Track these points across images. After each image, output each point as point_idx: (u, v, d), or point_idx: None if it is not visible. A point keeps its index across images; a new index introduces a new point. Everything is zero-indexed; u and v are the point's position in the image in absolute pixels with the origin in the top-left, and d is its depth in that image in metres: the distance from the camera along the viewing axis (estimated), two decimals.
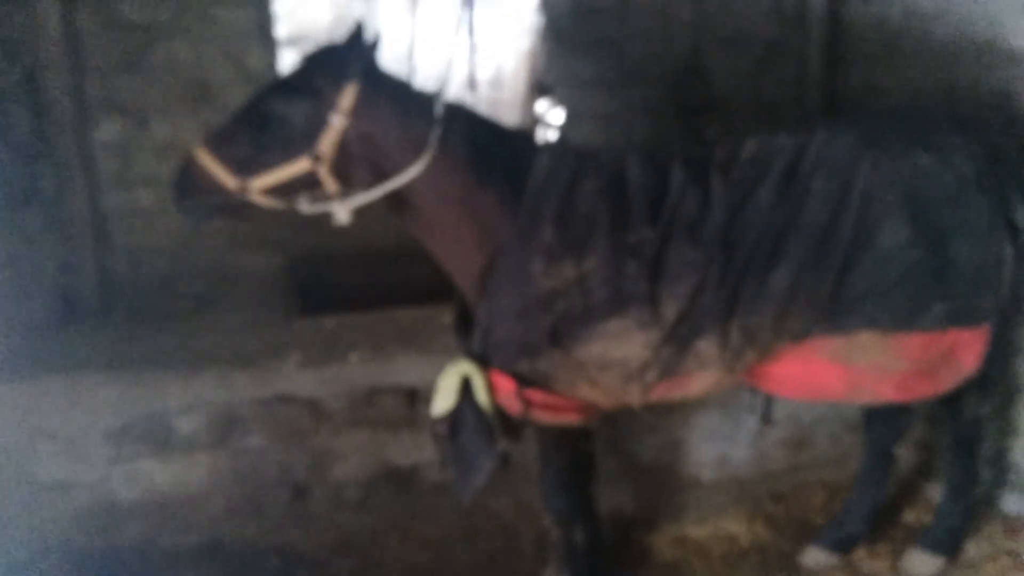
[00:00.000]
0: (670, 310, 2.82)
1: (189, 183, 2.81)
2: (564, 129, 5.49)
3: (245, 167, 2.76)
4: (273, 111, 2.77)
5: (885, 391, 2.98)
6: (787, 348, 2.93)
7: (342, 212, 2.88)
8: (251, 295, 4.88)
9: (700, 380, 2.97)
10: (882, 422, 3.53)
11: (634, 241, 2.84)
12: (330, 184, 2.82)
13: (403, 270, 5.15)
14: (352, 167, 2.83)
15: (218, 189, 2.78)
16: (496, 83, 6.45)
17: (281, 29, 5.54)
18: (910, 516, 3.96)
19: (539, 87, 6.63)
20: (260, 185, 2.78)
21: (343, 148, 2.79)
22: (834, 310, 2.86)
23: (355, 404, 3.95)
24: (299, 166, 2.77)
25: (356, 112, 2.77)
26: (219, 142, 2.79)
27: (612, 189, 2.91)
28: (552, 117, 6.17)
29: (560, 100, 5.49)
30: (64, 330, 4.37)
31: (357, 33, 2.86)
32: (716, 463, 4.30)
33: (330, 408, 3.94)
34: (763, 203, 2.88)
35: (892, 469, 3.70)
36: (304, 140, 2.76)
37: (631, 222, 2.87)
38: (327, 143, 2.76)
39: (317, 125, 2.76)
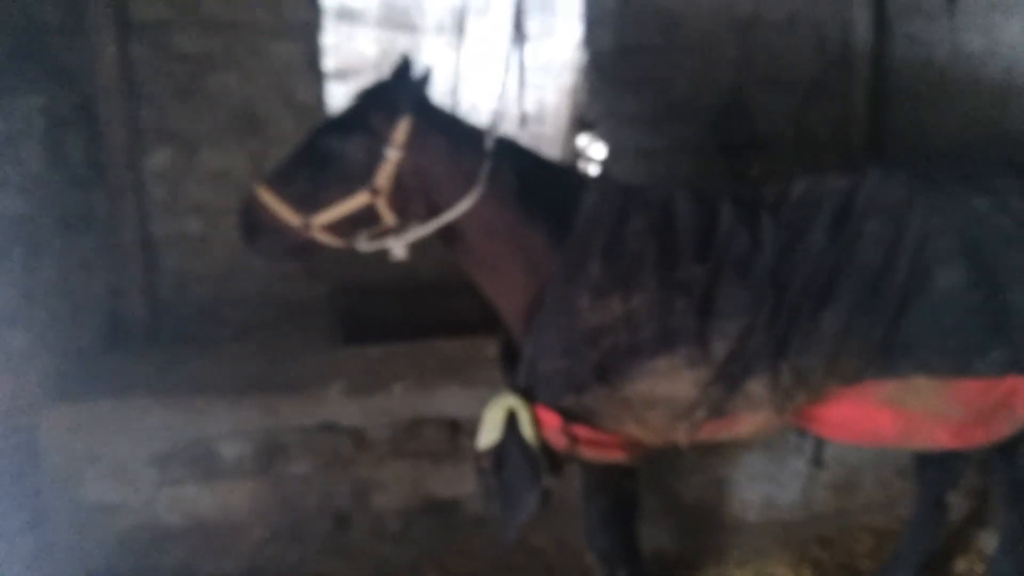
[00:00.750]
0: (719, 349, 2.78)
1: (254, 222, 2.86)
2: (605, 164, 5.50)
3: (307, 204, 2.80)
4: (330, 148, 2.81)
5: (940, 437, 2.90)
6: (839, 391, 2.87)
7: (399, 248, 2.92)
8: (295, 323, 4.90)
9: (749, 421, 2.91)
10: (935, 468, 3.44)
11: (683, 278, 2.81)
12: (388, 217, 2.86)
13: (444, 301, 5.17)
14: (408, 199, 2.86)
15: (282, 227, 2.82)
16: (538, 118, 6.50)
17: (329, 62, 5.62)
18: (962, 565, 3.85)
19: (581, 122, 6.66)
20: (322, 221, 2.81)
21: (398, 181, 2.82)
22: (887, 354, 2.80)
23: (397, 434, 3.95)
24: (358, 200, 2.81)
25: (410, 145, 2.80)
26: (280, 181, 2.84)
27: (660, 226, 2.89)
28: (594, 152, 6.18)
29: (602, 136, 5.50)
30: (113, 354, 4.41)
31: (404, 67, 2.90)
32: (761, 504, 4.23)
33: (373, 437, 3.94)
34: (814, 244, 2.83)
35: (945, 517, 3.60)
36: (362, 175, 2.80)
37: (680, 259, 2.83)
38: (383, 176, 2.80)
39: (374, 159, 2.80)
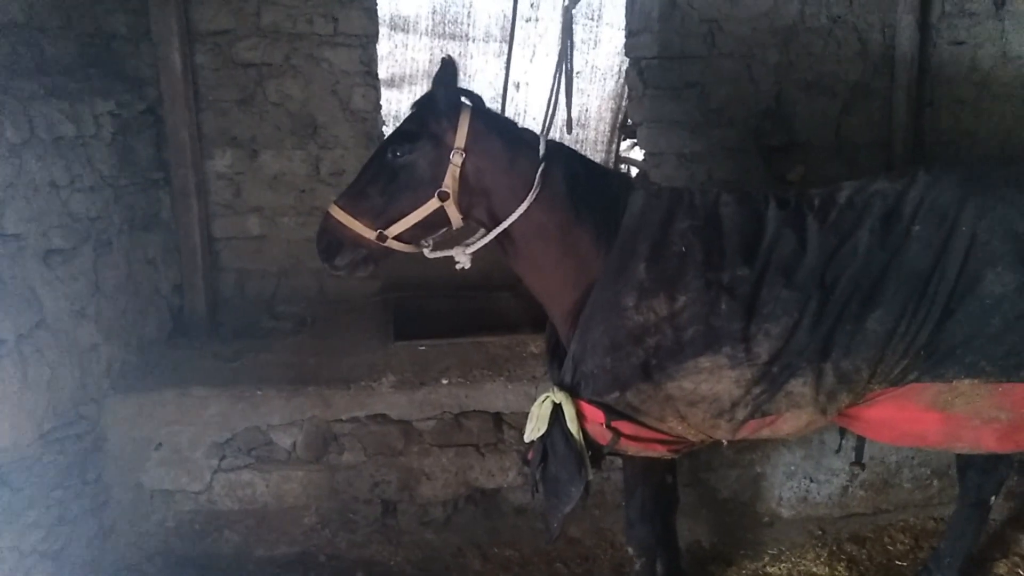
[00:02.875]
0: (763, 349, 2.66)
1: (333, 241, 2.82)
2: (646, 167, 5.35)
3: (381, 217, 2.76)
4: (397, 160, 2.76)
5: (986, 441, 2.74)
6: (883, 392, 2.73)
7: (463, 257, 2.87)
8: (348, 318, 4.85)
9: (792, 420, 2.78)
10: (978, 471, 3.25)
11: (728, 280, 2.70)
12: (456, 219, 2.81)
13: (489, 299, 5.09)
14: (471, 200, 2.80)
15: (359, 241, 2.78)
16: (583, 122, 6.38)
17: (383, 70, 5.55)
18: (1002, 568, 3.67)
19: (623, 127, 6.52)
20: (397, 231, 2.77)
21: (463, 182, 2.76)
22: (934, 356, 2.65)
23: (444, 426, 3.88)
24: (429, 206, 2.76)
25: (469, 147, 2.74)
26: (352, 198, 2.79)
27: (706, 228, 2.78)
28: (635, 155, 6.05)
29: (643, 139, 5.35)
30: (175, 347, 4.39)
31: (446, 70, 2.80)
32: (796, 501, 4.07)
33: (420, 429, 3.88)
34: (861, 246, 2.70)
35: (986, 519, 3.40)
36: (430, 180, 2.75)
37: (725, 261, 2.73)
38: (450, 179, 2.73)
39: (440, 164, 2.74)
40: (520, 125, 2.99)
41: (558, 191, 2.78)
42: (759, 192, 2.91)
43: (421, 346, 4.28)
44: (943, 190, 2.70)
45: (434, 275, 4.88)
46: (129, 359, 3.97)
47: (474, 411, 3.89)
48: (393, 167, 2.76)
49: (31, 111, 3.26)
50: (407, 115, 2.89)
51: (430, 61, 6.10)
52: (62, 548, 3.38)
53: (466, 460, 3.92)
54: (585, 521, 3.95)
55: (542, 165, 2.76)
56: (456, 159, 2.72)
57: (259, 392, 3.79)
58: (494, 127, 2.82)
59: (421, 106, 2.85)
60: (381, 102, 5.11)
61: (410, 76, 6.05)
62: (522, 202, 2.74)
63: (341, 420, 3.83)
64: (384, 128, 5.20)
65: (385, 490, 3.91)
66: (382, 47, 5.30)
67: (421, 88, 6.03)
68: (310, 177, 5.02)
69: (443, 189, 2.74)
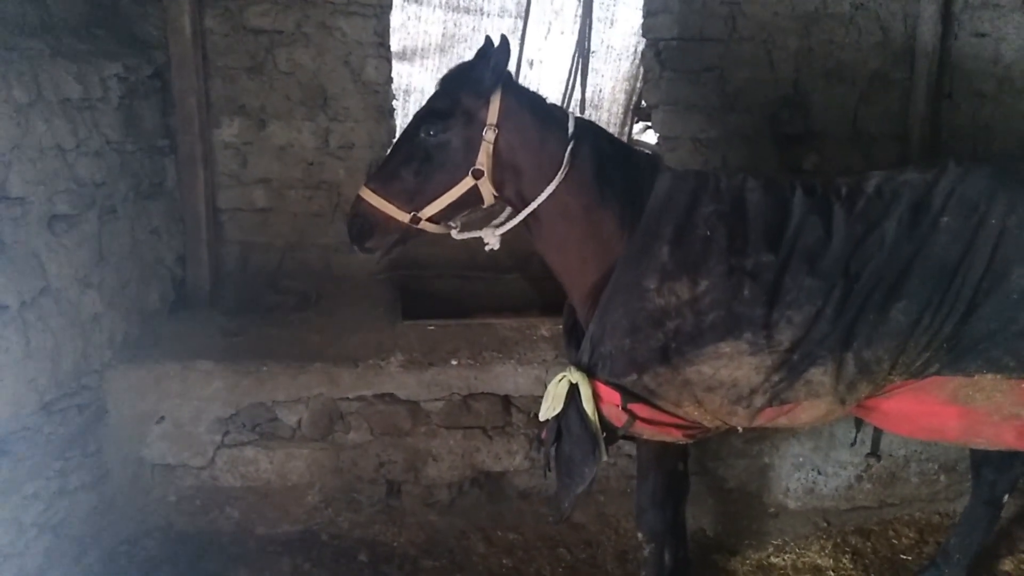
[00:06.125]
0: (785, 336, 2.65)
1: (364, 224, 2.78)
2: (660, 151, 5.32)
3: (415, 198, 2.73)
4: (431, 140, 2.72)
5: (1006, 437, 2.73)
6: (903, 384, 2.72)
7: (492, 238, 2.85)
8: (353, 295, 4.81)
9: (810, 409, 2.77)
10: (993, 468, 3.25)
11: (752, 266, 2.68)
12: (490, 196, 2.77)
13: (498, 282, 5.06)
14: (504, 177, 2.77)
15: (391, 224, 2.75)
16: (595, 103, 6.33)
17: (396, 42, 5.49)
18: (1008, 565, 3.68)
19: (636, 109, 6.47)
20: (431, 212, 2.74)
21: (496, 159, 2.72)
22: (956, 349, 2.63)
23: (452, 408, 3.86)
24: (464, 184, 2.73)
25: (502, 123, 2.71)
26: (384, 180, 2.75)
27: (731, 213, 2.76)
28: (647, 139, 6.00)
29: (658, 123, 5.31)
30: (178, 319, 4.34)
31: (487, 47, 2.76)
32: (803, 492, 4.08)
33: (428, 410, 3.86)
34: (888, 236, 2.68)
35: (997, 517, 3.41)
36: (465, 159, 2.71)
37: (749, 246, 2.70)
38: (484, 156, 2.70)
39: (473, 141, 2.70)
40: (548, 100, 2.94)
41: (586, 171, 2.75)
42: (786, 178, 2.89)
43: (430, 326, 4.25)
44: (973, 182, 2.67)
45: (442, 255, 4.88)
46: (131, 330, 3.93)
47: (483, 393, 3.87)
48: (426, 147, 2.72)
49: (38, 71, 3.19)
50: (435, 92, 2.83)
51: (443, 35, 6.03)
52: (61, 521, 3.35)
53: (473, 443, 3.91)
54: (590, 507, 3.94)
55: (571, 144, 2.73)
56: (489, 136, 2.69)
57: (264, 368, 3.75)
58: (526, 103, 2.78)
59: (451, 81, 2.80)
60: (393, 75, 5.05)
61: (422, 49, 5.96)
62: (551, 181, 2.72)
63: (348, 398, 3.80)
64: (395, 102, 5.13)
65: (390, 470, 3.89)
66: (395, 18, 5.23)
67: (434, 62, 5.95)
68: (319, 150, 4.96)
69: (477, 167, 2.70)
